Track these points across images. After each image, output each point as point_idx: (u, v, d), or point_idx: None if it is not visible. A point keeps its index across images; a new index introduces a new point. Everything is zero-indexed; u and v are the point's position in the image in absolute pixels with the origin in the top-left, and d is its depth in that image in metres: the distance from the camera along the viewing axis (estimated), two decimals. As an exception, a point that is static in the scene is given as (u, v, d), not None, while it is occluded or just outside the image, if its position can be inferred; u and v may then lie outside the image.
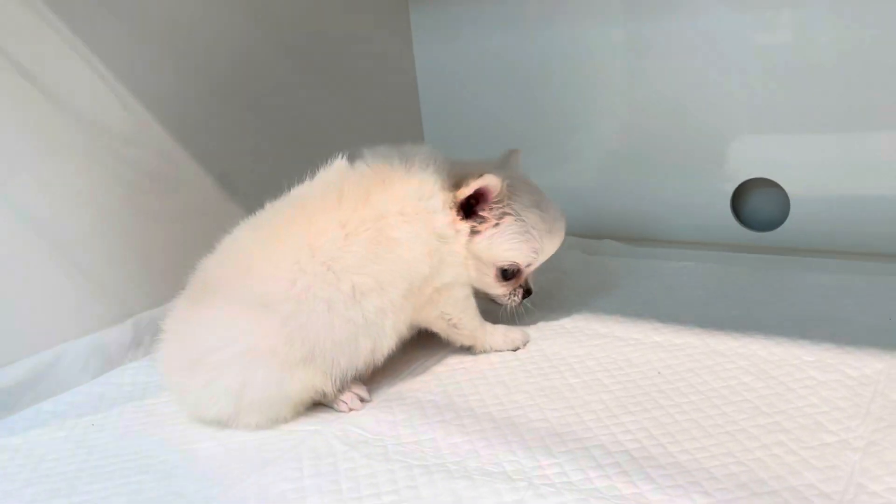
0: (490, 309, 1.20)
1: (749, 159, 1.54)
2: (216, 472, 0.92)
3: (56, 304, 1.20)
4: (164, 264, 1.33)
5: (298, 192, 1.08)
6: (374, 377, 1.11)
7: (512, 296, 1.19)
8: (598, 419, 0.95)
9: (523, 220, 1.13)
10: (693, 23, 1.52)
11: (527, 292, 1.20)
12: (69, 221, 1.20)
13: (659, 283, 1.39)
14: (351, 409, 1.03)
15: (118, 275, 1.27)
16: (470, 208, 1.10)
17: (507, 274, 1.15)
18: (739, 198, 1.58)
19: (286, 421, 1.01)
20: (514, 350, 1.16)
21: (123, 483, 0.91)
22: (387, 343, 1.04)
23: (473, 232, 1.11)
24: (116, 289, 1.27)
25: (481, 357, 1.15)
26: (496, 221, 1.11)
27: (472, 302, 1.15)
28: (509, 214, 1.12)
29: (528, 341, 1.18)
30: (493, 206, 1.11)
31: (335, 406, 1.04)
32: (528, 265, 1.17)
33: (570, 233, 1.68)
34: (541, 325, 1.25)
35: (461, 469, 0.87)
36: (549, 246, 1.18)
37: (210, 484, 0.89)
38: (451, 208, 1.09)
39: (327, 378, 1.00)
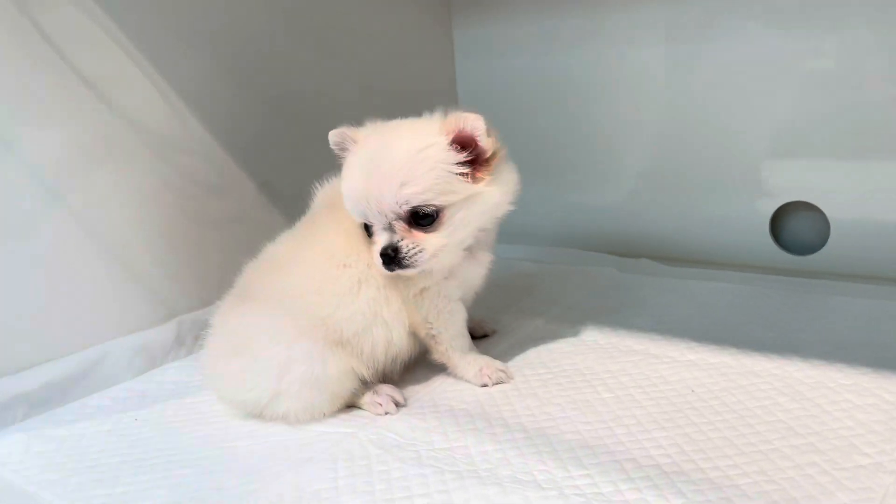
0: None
1: (789, 182, 1.54)
2: (254, 468, 0.95)
3: (104, 303, 1.24)
4: (207, 267, 1.37)
5: (315, 202, 1.15)
6: (408, 384, 1.13)
7: (375, 258, 1.02)
8: (629, 433, 0.95)
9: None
10: (735, 45, 1.53)
11: (384, 255, 0.99)
12: (119, 224, 1.25)
13: (695, 302, 1.39)
14: (386, 413, 1.05)
15: (163, 276, 1.32)
16: None
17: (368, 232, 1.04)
18: (778, 221, 1.57)
19: (323, 413, 1.04)
20: (483, 386, 1.11)
21: (165, 476, 0.94)
22: (396, 334, 1.07)
23: None
24: (161, 290, 1.31)
25: (515, 371, 1.16)
26: None
27: (458, 319, 1.13)
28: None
29: (503, 382, 1.11)
30: None
31: (370, 408, 1.06)
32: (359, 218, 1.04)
33: (605, 250, 1.72)
34: (573, 340, 1.26)
35: (492, 476, 0.88)
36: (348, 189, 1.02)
37: (248, 480, 0.92)
38: None
39: (360, 362, 1.05)
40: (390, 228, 1.00)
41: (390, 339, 1.07)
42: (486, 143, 1.00)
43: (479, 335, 1.30)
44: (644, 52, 1.65)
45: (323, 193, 1.16)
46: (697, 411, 0.99)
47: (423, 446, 0.97)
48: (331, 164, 1.08)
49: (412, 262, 0.99)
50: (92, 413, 1.14)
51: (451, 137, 1.00)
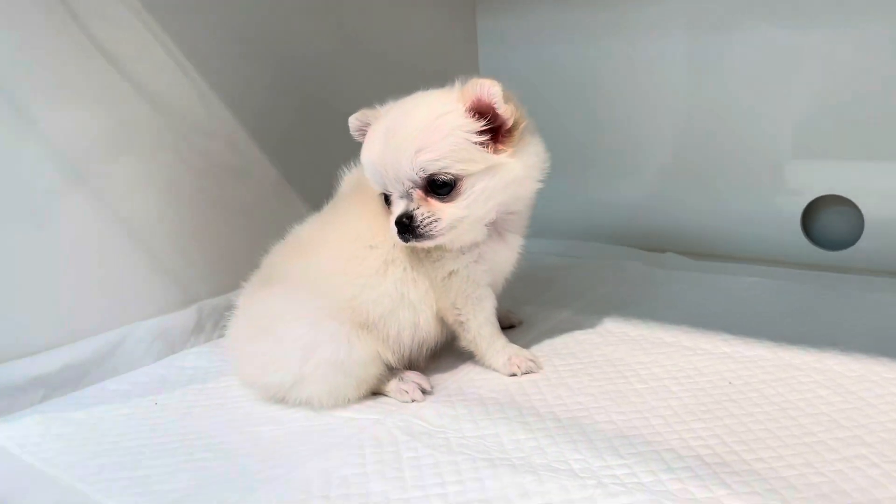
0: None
1: (820, 177, 1.50)
2: (280, 453, 0.92)
3: (124, 287, 1.22)
4: (228, 253, 1.35)
5: (341, 186, 1.13)
6: (434, 372, 1.10)
7: (391, 228, 0.99)
8: (666, 424, 0.92)
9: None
10: (761, 37, 1.50)
11: (398, 223, 0.97)
12: (141, 208, 1.22)
13: (726, 297, 1.35)
14: (413, 400, 1.02)
15: (185, 261, 1.29)
16: None
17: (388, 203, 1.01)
18: (810, 215, 1.54)
19: (348, 398, 1.02)
20: (511, 376, 1.08)
21: (187, 460, 0.92)
22: (423, 318, 1.05)
23: None
24: (182, 275, 1.29)
25: (543, 360, 1.13)
26: None
27: (487, 306, 1.09)
28: None
29: (532, 371, 1.08)
30: None
31: (396, 395, 1.04)
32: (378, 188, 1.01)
33: (630, 244, 1.68)
34: (601, 331, 1.23)
35: (526, 465, 0.85)
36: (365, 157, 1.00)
37: (274, 464, 0.89)
38: None
39: (386, 347, 1.03)
40: (408, 197, 0.97)
41: (417, 323, 1.05)
42: (504, 110, 0.97)
43: (505, 326, 1.27)
44: (669, 44, 1.62)
45: (350, 177, 1.14)
46: (736, 403, 0.96)
47: (452, 433, 0.94)
48: (354, 152, 1.06)
49: (427, 232, 0.96)
50: (111, 397, 1.11)
51: (468, 105, 0.97)
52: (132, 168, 1.21)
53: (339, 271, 1.01)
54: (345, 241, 1.04)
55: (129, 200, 1.21)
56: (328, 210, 1.12)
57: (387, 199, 1.00)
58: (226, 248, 1.35)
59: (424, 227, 0.96)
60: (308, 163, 1.47)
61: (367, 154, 0.99)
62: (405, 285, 1.03)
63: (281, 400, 1.03)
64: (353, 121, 1.05)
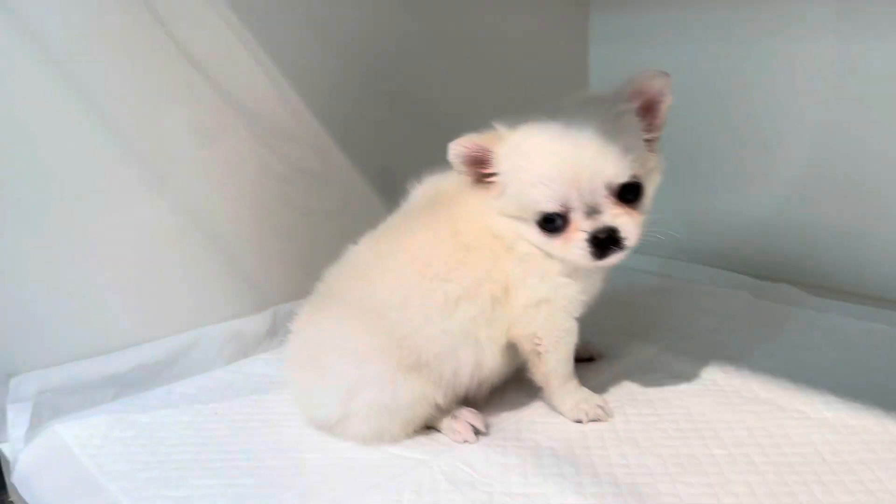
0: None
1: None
2: (318, 487, 0.89)
3: (200, 289, 1.23)
4: (307, 258, 1.31)
5: (408, 201, 1.05)
6: (494, 409, 1.04)
7: (576, 248, 0.91)
8: (739, 505, 0.82)
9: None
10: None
11: (596, 239, 0.90)
12: (220, 210, 1.23)
13: (842, 345, 1.20)
14: (465, 441, 0.97)
15: (261, 265, 1.29)
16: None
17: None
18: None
19: (395, 438, 0.97)
20: (577, 422, 1.00)
21: (227, 484, 0.91)
22: (489, 357, 0.97)
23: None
24: (258, 279, 1.29)
25: (615, 406, 1.04)
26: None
27: (570, 342, 1.01)
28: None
29: (599, 420, 1.00)
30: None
31: (448, 434, 0.98)
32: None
33: (739, 270, 1.53)
34: (688, 377, 1.11)
35: (569, 537, 0.78)
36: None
37: (308, 499, 0.87)
38: None
39: (438, 388, 0.96)
40: (595, 210, 0.89)
41: (479, 362, 0.97)
42: (669, 106, 0.92)
43: (584, 357, 1.19)
44: (809, 46, 1.43)
45: (422, 191, 1.05)
46: (825, 487, 0.84)
47: (498, 486, 0.87)
48: (443, 159, 1.00)
49: (628, 244, 0.90)
50: (177, 401, 1.13)
51: (637, 103, 0.93)
52: (212, 169, 1.21)
53: (396, 306, 0.94)
54: (408, 271, 0.96)
55: (208, 201, 1.22)
56: (390, 228, 1.03)
57: (548, 222, 0.91)
58: (305, 254, 1.33)
59: (629, 238, 0.90)
60: (396, 170, 1.42)
61: (548, 171, 0.89)
62: (475, 324, 0.95)
63: (329, 431, 1.00)
64: (463, 148, 0.93)
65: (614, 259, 0.92)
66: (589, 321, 1.11)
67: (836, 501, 0.81)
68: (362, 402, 0.94)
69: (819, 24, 1.41)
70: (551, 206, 0.90)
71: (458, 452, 0.95)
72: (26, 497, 0.96)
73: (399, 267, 0.97)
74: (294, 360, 1.04)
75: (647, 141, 0.94)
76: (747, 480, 0.86)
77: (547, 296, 0.97)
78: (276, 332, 1.29)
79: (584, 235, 0.89)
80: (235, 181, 1.23)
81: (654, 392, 1.08)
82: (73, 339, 1.11)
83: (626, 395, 1.07)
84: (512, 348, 1.00)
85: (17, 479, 0.99)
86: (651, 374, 1.13)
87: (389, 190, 1.40)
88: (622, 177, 0.88)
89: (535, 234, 0.93)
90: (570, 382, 1.03)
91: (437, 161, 1.04)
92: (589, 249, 0.89)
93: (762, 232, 1.56)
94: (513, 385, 1.08)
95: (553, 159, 0.89)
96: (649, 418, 1.01)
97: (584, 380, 1.08)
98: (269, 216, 1.28)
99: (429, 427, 1.00)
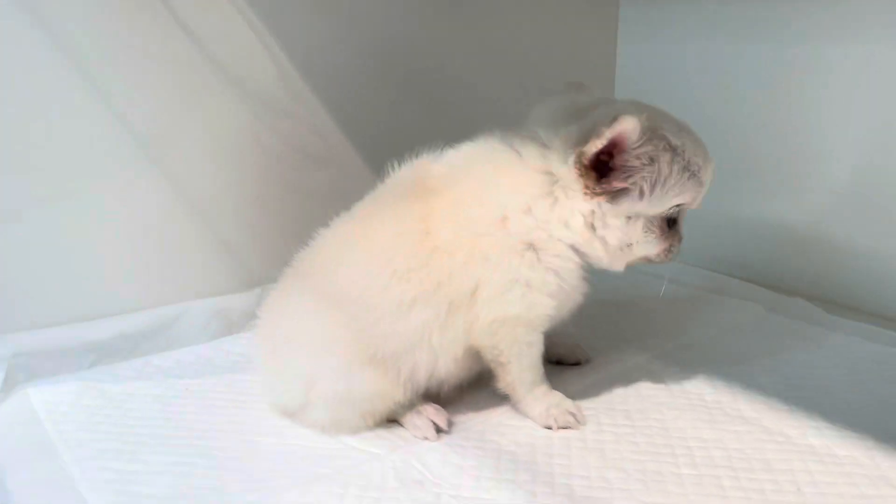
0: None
1: None
2: (264, 474, 0.87)
3: (187, 263, 1.22)
4: (300, 239, 1.30)
5: (386, 186, 1.01)
6: (462, 407, 1.01)
7: (674, 247, 0.96)
8: (695, 532, 0.77)
9: (680, 151, 0.89)
10: None
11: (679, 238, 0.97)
12: (211, 184, 1.22)
13: (845, 366, 1.12)
14: (425, 438, 0.94)
15: (252, 243, 1.28)
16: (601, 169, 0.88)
17: (672, 221, 0.94)
18: None
19: (355, 429, 0.95)
20: (546, 428, 0.96)
21: (177, 462, 0.90)
22: (442, 364, 0.93)
23: (612, 197, 0.88)
24: (248, 257, 1.28)
25: (590, 414, 0.99)
26: (644, 167, 0.88)
27: (535, 352, 0.97)
28: (665, 151, 0.88)
29: (570, 427, 0.95)
30: (636, 151, 0.86)
31: (410, 429, 0.96)
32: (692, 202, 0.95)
33: (754, 281, 1.45)
34: (673, 390, 1.06)
35: (507, 549, 0.74)
36: (711, 168, 0.94)
37: (253, 488, 0.85)
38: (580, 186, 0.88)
39: (395, 386, 0.92)
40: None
41: (433, 369, 0.94)
42: None
43: (569, 362, 1.14)
44: (857, 48, 1.33)
45: (401, 176, 1.00)
46: (795, 521, 0.78)
47: (447, 488, 0.84)
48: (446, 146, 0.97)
49: None
50: (151, 373, 1.12)
51: None
52: (204, 143, 1.20)
53: (353, 298, 0.91)
54: (369, 264, 0.92)
55: (200, 176, 1.21)
56: (360, 214, 0.99)
57: (671, 222, 0.94)
58: (298, 234, 1.30)
59: None
60: (400, 154, 1.39)
61: (709, 170, 0.94)
62: (429, 329, 0.91)
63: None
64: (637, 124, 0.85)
65: None
66: (583, 324, 1.07)
67: (803, 536, 0.76)
68: (320, 391, 0.92)
69: (868, 23, 1.31)
70: (696, 203, 0.94)
71: (415, 449, 0.92)
72: (-16, 455, 0.96)
73: (361, 259, 0.93)
74: (260, 346, 1.02)
75: None
76: (711, 505, 0.81)
77: (520, 314, 0.92)
78: (263, 311, 1.28)
79: (680, 237, 0.96)
80: (228, 156, 1.22)
81: (633, 402, 1.03)
82: (51, 305, 1.12)
83: (605, 404, 1.03)
84: (471, 355, 0.96)
85: (-18, 438, 1.00)
86: (635, 383, 1.08)
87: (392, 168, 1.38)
88: None
89: (644, 229, 0.92)
90: (538, 388, 0.99)
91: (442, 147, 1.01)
92: (675, 250, 0.96)
93: (786, 241, 1.48)
94: (486, 384, 1.03)
95: (710, 159, 0.93)
96: (623, 429, 0.96)
97: (564, 384, 1.04)
98: (262, 193, 1.27)
99: (393, 420, 0.97)
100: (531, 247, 0.90)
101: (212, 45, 1.17)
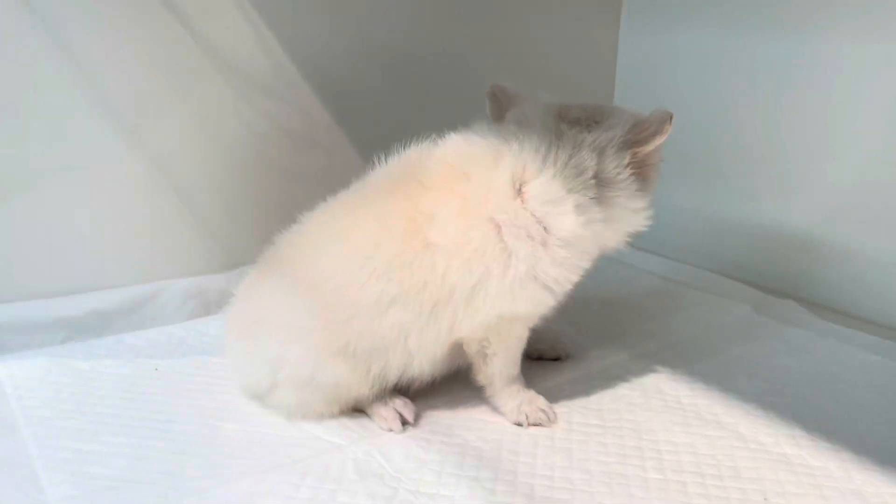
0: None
1: None
2: (222, 460, 0.86)
3: (164, 241, 1.21)
4: (283, 221, 1.29)
5: (375, 177, 0.97)
6: (433, 399, 0.99)
7: None
8: (654, 539, 0.75)
9: None
10: None
11: None
12: (192, 163, 1.20)
13: (829, 375, 1.10)
14: (390, 430, 0.92)
15: (232, 223, 1.26)
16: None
17: None
18: None
19: (321, 415, 0.94)
20: (517, 424, 0.94)
21: (137, 446, 0.88)
22: (416, 366, 0.91)
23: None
24: (228, 237, 1.26)
25: (562, 413, 0.97)
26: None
27: (520, 347, 0.96)
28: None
29: (541, 424, 0.94)
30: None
31: (376, 420, 0.94)
32: None
33: (746, 281, 1.42)
34: (650, 390, 1.04)
35: (459, 549, 0.72)
36: None
37: (209, 473, 0.83)
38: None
39: (363, 380, 0.91)
40: None
41: (406, 369, 0.92)
42: None
43: (549, 357, 1.12)
44: (872, 47, 1.28)
45: (390, 170, 0.97)
46: (757, 531, 0.76)
47: (406, 482, 0.82)
48: (441, 128, 0.94)
49: None
50: (122, 351, 1.11)
51: None
52: (187, 122, 1.18)
53: (329, 290, 0.89)
54: (349, 259, 0.89)
55: (182, 155, 1.19)
56: (345, 204, 0.96)
57: None
58: (281, 216, 1.28)
59: None
60: (390, 140, 1.37)
61: None
62: (406, 330, 0.88)
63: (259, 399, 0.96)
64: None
65: None
66: (566, 319, 1.05)
67: (764, 549, 0.74)
68: (286, 374, 0.91)
69: (883, 22, 1.26)
70: None
71: (378, 441, 0.90)
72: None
73: (341, 252, 0.91)
74: (234, 326, 1.00)
75: None
76: (674, 511, 0.79)
77: (528, 310, 0.91)
78: (243, 293, 1.26)
79: None
80: (210, 135, 1.20)
81: (608, 401, 1.01)
82: (25, 279, 1.10)
83: (578, 402, 1.01)
84: (447, 357, 0.94)
85: (-53, 411, 0.99)
86: (612, 382, 1.06)
87: (381, 158, 1.35)
88: None
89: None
90: (514, 384, 0.97)
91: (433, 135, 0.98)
92: None
93: (784, 243, 1.44)
94: (459, 378, 1.01)
95: None
96: (593, 429, 0.94)
97: (539, 381, 1.03)
98: (246, 174, 1.25)
99: (360, 410, 0.96)
100: (545, 243, 0.87)
101: (198, 24, 1.14)
